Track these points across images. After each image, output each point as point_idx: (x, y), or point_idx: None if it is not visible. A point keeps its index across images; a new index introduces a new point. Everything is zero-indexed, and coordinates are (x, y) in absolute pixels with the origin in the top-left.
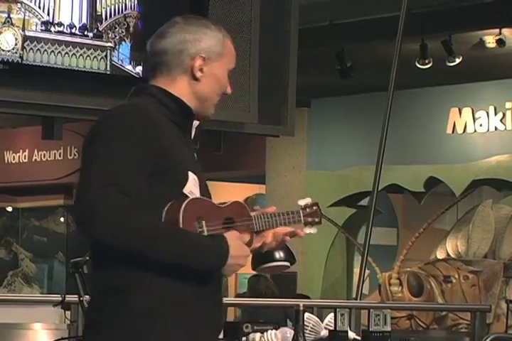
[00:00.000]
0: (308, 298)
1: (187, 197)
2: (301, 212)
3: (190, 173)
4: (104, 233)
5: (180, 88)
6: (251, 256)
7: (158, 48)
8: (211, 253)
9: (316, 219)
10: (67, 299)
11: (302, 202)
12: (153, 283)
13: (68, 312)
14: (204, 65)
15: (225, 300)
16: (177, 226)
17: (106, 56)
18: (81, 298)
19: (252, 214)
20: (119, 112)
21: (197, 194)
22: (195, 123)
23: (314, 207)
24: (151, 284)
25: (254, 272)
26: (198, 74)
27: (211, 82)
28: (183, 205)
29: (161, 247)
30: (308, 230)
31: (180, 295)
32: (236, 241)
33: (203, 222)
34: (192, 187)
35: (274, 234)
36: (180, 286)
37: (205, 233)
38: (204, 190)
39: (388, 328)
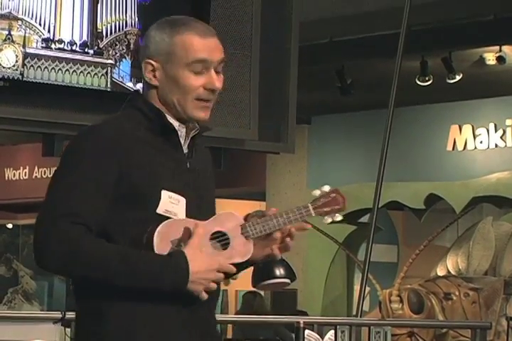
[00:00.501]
0: (306, 314)
1: (165, 218)
2: (309, 205)
3: (164, 192)
4: (53, 269)
5: (153, 97)
6: (252, 271)
7: None
8: (168, 273)
9: (337, 207)
10: (67, 316)
11: (316, 192)
12: (123, 304)
13: (68, 329)
14: (156, 69)
15: (223, 317)
16: (132, 250)
17: (106, 73)
18: None
19: (249, 221)
20: (83, 134)
21: (178, 212)
22: (192, 131)
23: (332, 195)
24: (121, 306)
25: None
26: (152, 80)
27: (169, 85)
28: (156, 231)
29: (114, 276)
30: (329, 219)
31: (152, 315)
32: (198, 256)
33: (182, 244)
34: (167, 206)
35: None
36: (151, 307)
37: None
38: (198, 205)
39: None
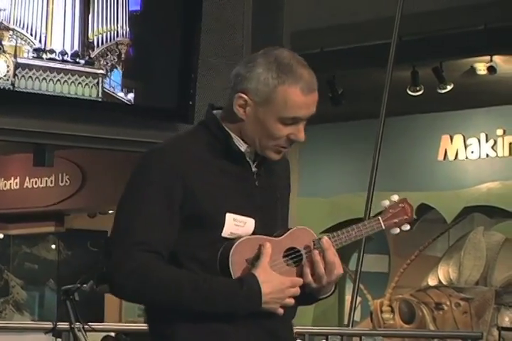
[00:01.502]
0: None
1: (233, 240)
2: (380, 218)
3: (228, 215)
4: (127, 297)
5: (233, 123)
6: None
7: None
8: (241, 298)
9: (405, 217)
10: (58, 326)
11: (386, 203)
12: (191, 324)
13: (59, 340)
14: (247, 105)
15: None
16: (204, 276)
17: (98, 83)
18: (72, 325)
19: (321, 236)
20: (143, 160)
21: (244, 234)
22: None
23: (400, 205)
24: (189, 326)
25: None
26: (240, 113)
27: (255, 125)
28: (231, 251)
29: (187, 305)
30: (397, 230)
31: (221, 333)
32: (269, 277)
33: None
34: (232, 228)
35: None
36: (221, 325)
37: None
38: (266, 223)
39: None
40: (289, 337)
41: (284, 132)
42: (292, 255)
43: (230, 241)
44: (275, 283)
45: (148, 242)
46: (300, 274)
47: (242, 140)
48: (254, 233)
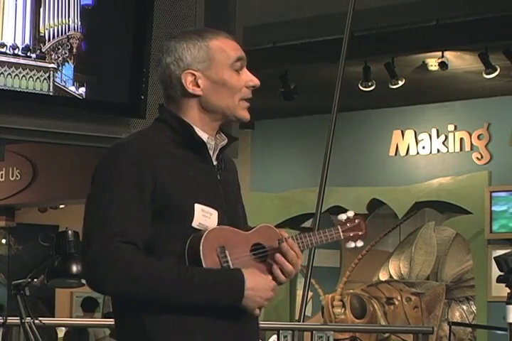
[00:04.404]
0: None
1: (199, 230)
2: (339, 228)
3: (196, 206)
4: (107, 290)
5: (189, 112)
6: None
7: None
8: (223, 289)
9: (360, 233)
10: (8, 321)
11: (343, 217)
12: (167, 317)
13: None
14: (198, 78)
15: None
16: (184, 267)
17: (49, 77)
18: (23, 320)
19: (285, 236)
20: (112, 153)
21: (210, 225)
22: (221, 143)
23: (356, 221)
24: (165, 318)
25: None
26: (196, 90)
27: (217, 91)
28: (203, 238)
29: (170, 296)
30: (352, 244)
31: (198, 327)
32: (255, 275)
33: (227, 252)
34: (201, 219)
35: None
36: (197, 319)
37: (230, 263)
38: (230, 216)
39: None
40: (256, 331)
41: (242, 80)
42: (258, 250)
43: (199, 231)
44: (261, 281)
45: (125, 233)
46: (263, 270)
47: (202, 130)
48: (219, 224)
